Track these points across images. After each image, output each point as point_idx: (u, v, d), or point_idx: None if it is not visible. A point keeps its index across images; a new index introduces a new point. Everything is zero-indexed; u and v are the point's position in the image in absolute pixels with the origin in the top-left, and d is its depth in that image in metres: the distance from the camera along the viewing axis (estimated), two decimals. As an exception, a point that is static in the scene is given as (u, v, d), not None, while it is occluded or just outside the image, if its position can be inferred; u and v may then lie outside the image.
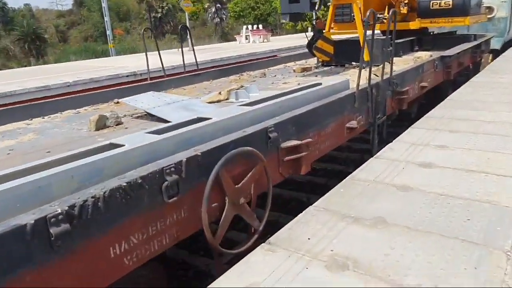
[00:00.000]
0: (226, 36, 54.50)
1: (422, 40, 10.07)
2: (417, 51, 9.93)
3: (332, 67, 8.12)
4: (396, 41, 9.45)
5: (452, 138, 4.63)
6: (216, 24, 60.54)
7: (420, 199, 3.21)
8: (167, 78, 6.57)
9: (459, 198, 3.18)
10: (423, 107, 7.41)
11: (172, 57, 12.54)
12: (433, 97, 7.81)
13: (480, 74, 8.88)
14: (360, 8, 9.45)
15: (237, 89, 5.17)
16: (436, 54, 9.23)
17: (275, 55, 10.46)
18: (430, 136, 4.74)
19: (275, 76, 7.42)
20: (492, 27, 13.30)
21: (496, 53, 13.27)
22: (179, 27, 9.33)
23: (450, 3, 9.08)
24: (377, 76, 5.96)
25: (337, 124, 4.14)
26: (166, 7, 56.85)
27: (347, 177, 3.78)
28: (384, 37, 8.11)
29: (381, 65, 6.80)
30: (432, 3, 9.30)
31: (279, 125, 3.28)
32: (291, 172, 3.42)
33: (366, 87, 4.72)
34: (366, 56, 7.65)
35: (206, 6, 59.57)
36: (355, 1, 7.54)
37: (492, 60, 12.92)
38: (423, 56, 7.18)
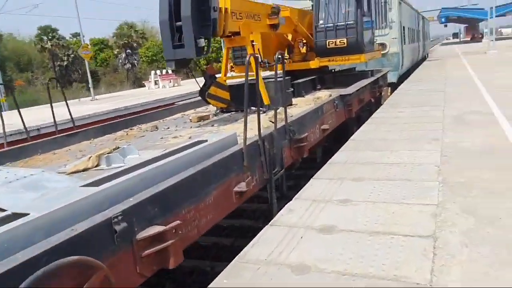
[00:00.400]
0: (140, 82, 53.13)
1: (324, 78, 10.06)
2: (319, 89, 9.88)
3: (232, 113, 7.60)
4: (297, 81, 9.36)
5: (355, 188, 4.18)
6: (127, 70, 58.89)
7: (318, 283, 2.58)
8: (31, 142, 5.47)
9: (363, 277, 2.60)
10: (329, 148, 7.11)
11: (74, 108, 11.28)
12: (338, 137, 7.60)
13: (381, 109, 8.95)
14: (259, 49, 9.28)
15: (109, 152, 4.31)
16: (337, 92, 9.21)
17: (173, 103, 9.74)
18: (333, 188, 4.25)
19: (168, 128, 6.67)
20: (387, 62, 14.02)
21: (394, 86, 13.93)
22: (48, 79, 8.23)
23: (345, 41, 9.18)
24: (273, 122, 5.48)
25: (222, 190, 3.45)
26: (72, 55, 54.19)
27: (236, 258, 3.07)
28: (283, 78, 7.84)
29: (279, 110, 6.45)
30: (328, 42, 9.34)
31: (133, 209, 2.50)
32: (155, 269, 2.61)
33: (256, 140, 4.13)
34: (265, 100, 7.30)
35: (116, 52, 57.88)
36: (248, 43, 7.15)
37: (391, 93, 13.49)
38: (323, 96, 6.94)
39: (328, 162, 5.23)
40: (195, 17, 5.78)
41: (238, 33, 7.03)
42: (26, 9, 51.81)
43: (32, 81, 52.55)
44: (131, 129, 6.94)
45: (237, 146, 3.96)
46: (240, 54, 9.54)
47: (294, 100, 8.32)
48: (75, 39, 60.25)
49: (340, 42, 9.22)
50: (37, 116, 13.72)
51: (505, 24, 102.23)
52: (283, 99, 7.41)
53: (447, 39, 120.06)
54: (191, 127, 6.52)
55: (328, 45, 9.35)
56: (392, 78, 13.98)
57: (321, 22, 9.51)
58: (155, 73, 26.01)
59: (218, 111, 7.38)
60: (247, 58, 4.86)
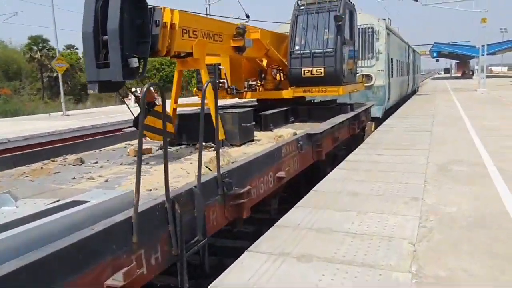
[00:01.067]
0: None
1: (298, 110, 9.01)
2: (292, 122, 8.82)
3: (182, 146, 6.45)
4: (265, 112, 8.28)
5: (299, 273, 3.02)
6: (117, 85, 57.75)
7: None
8: None
9: None
10: (289, 199, 5.97)
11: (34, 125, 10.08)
12: (306, 181, 6.47)
13: (358, 150, 7.86)
14: (225, 74, 8.22)
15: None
16: (310, 127, 8.15)
17: (121, 129, 8.57)
18: (271, 270, 3.08)
19: (96, 163, 5.48)
20: (373, 95, 13.07)
21: (378, 121, 12.95)
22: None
23: (322, 71, 8.17)
24: (210, 169, 4.34)
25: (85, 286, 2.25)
26: (62, 66, 53.03)
27: None
28: (243, 109, 6.76)
29: (226, 150, 5.31)
30: (304, 70, 8.32)
31: None
32: None
33: (161, 202, 2.96)
34: (219, 134, 6.17)
35: (107, 67, 56.89)
36: (202, 67, 6.07)
37: (375, 129, 12.49)
38: (285, 134, 5.82)
39: (276, 224, 4.07)
40: (127, 31, 4.69)
41: (191, 54, 5.96)
42: (5, 16, 50.46)
43: (19, 91, 51.00)
44: (52, 161, 5.73)
45: (124, 212, 2.78)
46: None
47: (260, 135, 7.23)
48: (68, 50, 59.24)
49: (316, 71, 8.21)
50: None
51: (495, 62, 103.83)
52: (240, 134, 6.37)
53: (438, 74, 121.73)
54: (121, 164, 5.34)
55: (304, 74, 8.34)
56: (376, 112, 13.01)
57: (296, 48, 8.52)
58: (135, 90, 24.82)
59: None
60: (204, 87, 3.77)
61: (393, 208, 4.39)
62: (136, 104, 24.49)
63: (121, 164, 5.35)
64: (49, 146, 6.23)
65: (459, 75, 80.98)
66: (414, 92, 28.26)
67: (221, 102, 10.68)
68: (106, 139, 7.01)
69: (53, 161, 5.74)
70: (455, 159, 6.64)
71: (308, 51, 8.29)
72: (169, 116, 5.61)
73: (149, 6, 5.10)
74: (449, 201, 4.56)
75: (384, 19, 16.98)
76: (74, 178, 4.60)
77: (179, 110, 6.66)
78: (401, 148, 7.80)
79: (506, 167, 5.97)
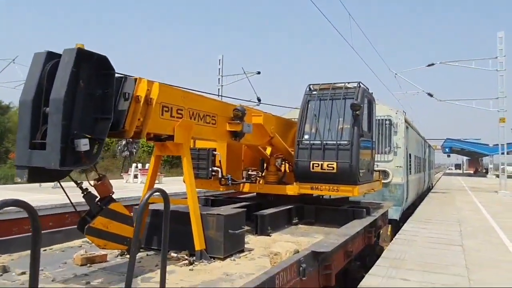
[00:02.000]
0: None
1: (304, 209, 7.56)
2: (296, 224, 7.33)
3: (150, 253, 4.97)
4: (263, 212, 6.85)
5: None
6: (124, 157, 57.37)
7: None
8: None
9: None
10: None
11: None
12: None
13: (376, 269, 6.23)
14: (220, 161, 6.96)
15: None
16: (317, 232, 6.65)
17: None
18: None
19: (23, 273, 3.98)
20: (389, 194, 11.61)
21: (396, 225, 11.34)
22: None
23: (335, 166, 6.88)
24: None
25: None
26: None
27: None
28: (232, 211, 5.35)
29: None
30: (313, 163, 7.04)
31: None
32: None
33: None
34: (196, 243, 4.70)
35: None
36: (185, 154, 4.81)
37: (391, 233, 10.86)
38: (283, 252, 4.31)
39: None
40: (81, 104, 3.51)
41: (173, 137, 4.74)
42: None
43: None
44: (-31, 264, 4.26)
45: None
46: (197, 164, 7.21)
47: (253, 241, 5.77)
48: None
49: (328, 166, 6.92)
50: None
51: (508, 161, 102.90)
52: (226, 244, 4.89)
53: (449, 169, 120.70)
54: (53, 280, 3.83)
55: (312, 168, 7.04)
56: (393, 214, 11.43)
57: (306, 137, 7.33)
58: (136, 166, 23.81)
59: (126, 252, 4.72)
60: (148, 194, 2.43)
61: None
62: (136, 179, 23.32)
63: (52, 280, 3.85)
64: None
65: (471, 172, 79.64)
66: (429, 189, 26.71)
67: (215, 193, 9.35)
68: (59, 232, 5.55)
69: (-30, 264, 4.27)
70: (509, 298, 5.00)
71: (319, 142, 7.08)
72: (129, 218, 4.21)
73: (118, 75, 4.00)
74: None
75: (403, 111, 16.19)
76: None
77: (153, 205, 5.28)
78: (431, 271, 6.16)
79: None
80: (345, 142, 6.92)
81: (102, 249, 4.22)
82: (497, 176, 38.00)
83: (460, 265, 6.57)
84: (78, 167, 3.61)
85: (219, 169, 6.76)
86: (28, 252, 4.60)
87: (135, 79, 4.21)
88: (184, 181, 7.71)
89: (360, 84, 7.45)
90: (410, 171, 13.84)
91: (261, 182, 7.72)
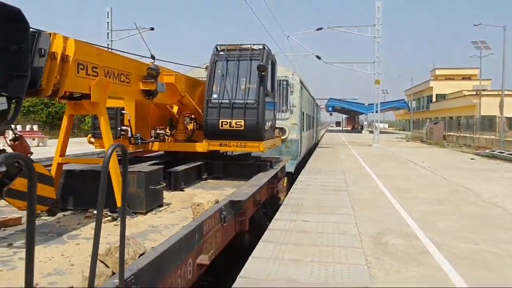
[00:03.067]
0: (7, 134, 45.41)
1: (213, 165, 7.98)
2: (206, 179, 7.73)
3: (67, 213, 4.93)
4: (176, 168, 7.09)
5: None
6: (-5, 118, 50.68)
7: None
8: None
9: None
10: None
11: None
12: (224, 259, 5.34)
13: (280, 215, 7.00)
14: (129, 120, 6.91)
15: None
16: (226, 186, 7.15)
17: None
18: None
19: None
20: (286, 149, 12.64)
21: (291, 176, 12.48)
22: None
23: (242, 123, 7.34)
24: (108, 267, 3.02)
25: None
26: None
27: None
28: (151, 168, 5.52)
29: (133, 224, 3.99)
30: (222, 122, 7.41)
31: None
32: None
33: None
34: (119, 201, 4.82)
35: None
36: (102, 113, 4.77)
37: (287, 184, 11.95)
38: (205, 202, 4.69)
39: None
40: (-6, 60, 3.30)
41: (88, 96, 4.65)
42: None
43: None
44: None
45: None
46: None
47: (169, 196, 6.02)
48: None
49: (236, 123, 7.36)
50: None
51: (380, 119, 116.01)
52: (147, 199, 5.10)
53: (331, 126, 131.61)
54: (-32, 244, 3.68)
55: (221, 126, 7.41)
56: (289, 167, 12.53)
57: (214, 96, 7.62)
58: (15, 128, 21.55)
59: (40, 211, 4.61)
60: (109, 152, 2.45)
61: (345, 307, 3.50)
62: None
63: (-32, 244, 3.69)
64: None
65: (349, 128, 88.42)
66: (315, 145, 29.23)
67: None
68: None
69: None
70: (385, 228, 6.14)
71: (228, 101, 7.44)
72: (50, 178, 4.14)
73: (32, 30, 3.78)
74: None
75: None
76: None
77: (67, 166, 5.17)
78: (325, 212, 7.14)
79: (439, 239, 5.59)
80: (252, 101, 7.39)
81: (22, 210, 4.11)
82: (371, 132, 42.93)
83: (348, 206, 7.70)
84: (1, 128, 3.44)
85: (128, 128, 6.74)
86: None
87: (50, 34, 4.01)
88: (88, 142, 7.54)
89: (265, 46, 7.90)
90: (303, 128, 15.11)
91: (170, 140, 7.87)
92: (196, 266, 3.73)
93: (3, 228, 4.24)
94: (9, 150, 3.96)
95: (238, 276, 4.16)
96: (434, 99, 65.03)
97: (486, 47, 35.45)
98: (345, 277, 4.16)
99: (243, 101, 7.39)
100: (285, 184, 12.46)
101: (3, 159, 1.45)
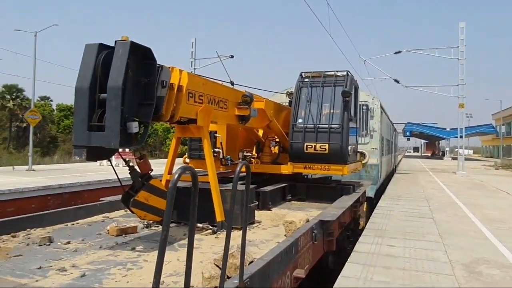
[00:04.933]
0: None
1: (296, 187, 8.28)
2: (289, 200, 8.04)
3: (172, 225, 5.51)
4: (264, 188, 7.49)
5: None
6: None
7: None
8: None
9: None
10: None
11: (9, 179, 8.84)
12: (309, 278, 5.55)
13: (364, 238, 7.05)
14: (221, 142, 7.51)
15: None
16: (312, 208, 7.38)
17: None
18: None
19: (68, 243, 4.45)
20: (366, 174, 12.58)
21: (370, 201, 12.35)
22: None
23: (327, 147, 7.60)
24: (220, 268, 3.44)
25: None
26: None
27: None
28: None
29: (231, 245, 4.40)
30: (307, 145, 7.73)
31: None
32: None
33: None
34: (218, 215, 5.29)
35: (81, 120, 55.58)
36: (206, 136, 5.34)
37: (367, 209, 11.84)
38: (297, 221, 5.00)
39: None
40: (130, 91, 3.97)
41: (194, 121, 5.24)
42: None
43: (-16, 140, 48.72)
44: (13, 236, 4.66)
45: None
46: (198, 145, 7.74)
47: (258, 215, 6.40)
48: (42, 102, 58.05)
49: (321, 147, 7.63)
50: None
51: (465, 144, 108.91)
52: (244, 216, 5.51)
53: (408, 152, 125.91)
54: (100, 247, 4.33)
55: (306, 149, 7.73)
56: (369, 192, 12.44)
57: (299, 121, 7.99)
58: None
59: (152, 221, 5.24)
60: (239, 166, 2.90)
61: (442, 330, 3.54)
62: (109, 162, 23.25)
63: (100, 247, 4.34)
64: (10, 218, 5.11)
65: (429, 154, 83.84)
66: (393, 170, 28.32)
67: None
68: (80, 209, 5.97)
69: (14, 236, 4.67)
70: (478, 258, 5.93)
71: (312, 126, 7.77)
72: (165, 192, 4.74)
73: (156, 64, 4.46)
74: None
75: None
76: (40, 268, 3.58)
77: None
78: (410, 238, 7.06)
79: (541, 273, 5.29)
80: (336, 125, 7.64)
81: (142, 219, 4.74)
82: (453, 158, 40.45)
83: (435, 233, 7.52)
84: (130, 147, 4.09)
85: (220, 150, 7.31)
86: (61, 225, 5.07)
87: (170, 68, 4.67)
88: (184, 163, 8.26)
89: (349, 73, 8.16)
90: (383, 153, 14.90)
91: (256, 162, 8.33)
92: (293, 278, 4.02)
93: (123, 235, 4.89)
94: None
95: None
96: (526, 123, 59.70)
97: None
98: (438, 302, 4.17)
99: (327, 125, 7.66)
100: (365, 209, 12.36)
101: (181, 170, 1.89)
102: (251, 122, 6.84)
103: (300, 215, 5.19)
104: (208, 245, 4.60)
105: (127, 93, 3.93)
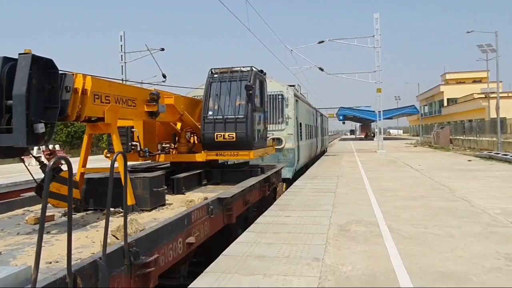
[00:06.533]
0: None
1: (211, 172, 9.22)
2: (205, 185, 8.97)
3: (89, 212, 6.21)
4: (177, 176, 8.36)
5: None
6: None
7: None
8: None
9: None
10: (200, 264, 5.97)
11: None
12: (217, 245, 6.53)
13: (269, 212, 8.19)
14: (138, 136, 8.22)
15: None
16: (223, 189, 8.36)
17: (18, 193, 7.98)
18: None
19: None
20: (283, 157, 13.83)
21: (290, 182, 13.62)
22: None
23: (234, 136, 8.58)
24: (117, 238, 4.28)
25: None
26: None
27: None
28: (154, 174, 6.80)
29: (129, 220, 5.23)
30: (217, 134, 8.66)
31: None
32: None
33: (62, 277, 2.87)
34: (129, 199, 6.08)
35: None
36: (114, 131, 6.08)
37: (286, 189, 13.10)
38: (196, 198, 5.94)
39: (183, 292, 4.09)
40: (35, 97, 4.62)
41: (102, 119, 5.96)
42: None
43: None
44: None
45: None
46: (117, 140, 8.39)
47: (171, 198, 7.24)
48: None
49: (229, 136, 8.60)
50: None
51: (392, 125, 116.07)
52: (151, 199, 6.35)
53: (345, 135, 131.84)
54: (17, 234, 4.98)
55: (216, 138, 8.67)
56: (287, 174, 13.71)
57: (210, 113, 8.89)
58: (39, 148, 23.26)
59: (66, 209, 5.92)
60: (115, 156, 3.71)
61: (296, 270, 4.65)
62: (38, 165, 22.85)
63: (17, 234, 4.98)
64: None
65: (363, 136, 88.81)
66: (323, 152, 30.26)
67: (133, 164, 10.52)
68: (2, 204, 6.48)
69: None
70: (353, 219, 7.24)
71: (221, 117, 8.70)
72: (76, 182, 5.45)
73: (60, 72, 5.12)
74: (346, 261, 4.96)
75: (294, 85, 18.47)
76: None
77: (87, 174, 6.48)
78: (308, 209, 8.30)
79: (395, 226, 6.67)
80: (242, 116, 8.63)
81: (56, 207, 5.43)
82: (385, 139, 43.54)
83: (330, 204, 8.83)
84: (37, 145, 4.76)
85: (137, 143, 8.04)
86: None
87: (73, 74, 5.35)
88: (107, 156, 8.88)
89: (253, 68, 9.17)
90: (301, 138, 16.27)
91: (174, 152, 9.15)
92: (185, 244, 4.95)
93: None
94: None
95: (221, 254, 5.35)
96: (445, 103, 65.29)
97: (492, 49, 36.03)
98: (304, 253, 5.31)
99: (233, 116, 8.64)
100: (284, 189, 13.62)
101: (56, 159, 2.72)
102: (162, 116, 7.62)
103: (199, 195, 6.13)
104: (116, 224, 5.39)
105: (32, 99, 4.58)
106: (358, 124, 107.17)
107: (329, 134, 61.27)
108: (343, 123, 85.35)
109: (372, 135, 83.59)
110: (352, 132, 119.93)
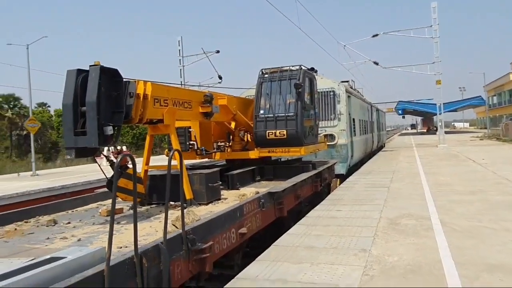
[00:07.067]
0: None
1: (264, 169, 9.59)
2: (259, 181, 9.36)
3: (153, 206, 6.83)
4: (231, 172, 8.81)
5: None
6: (91, 143, 57.56)
7: None
8: None
9: None
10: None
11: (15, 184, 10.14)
12: (269, 236, 6.88)
13: (320, 206, 8.40)
14: (195, 136, 8.80)
15: None
16: (274, 185, 8.70)
17: (93, 189, 8.87)
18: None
19: (69, 223, 5.78)
20: (336, 153, 13.89)
21: (344, 178, 13.66)
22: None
23: (285, 133, 8.89)
24: (177, 227, 4.77)
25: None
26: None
27: None
28: (209, 170, 7.28)
29: (187, 211, 5.72)
30: (268, 132, 9.02)
31: None
32: None
33: (131, 257, 3.36)
34: (187, 194, 6.61)
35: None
36: (172, 132, 6.63)
37: (339, 184, 13.16)
38: (248, 193, 6.32)
39: (236, 277, 4.47)
40: (104, 103, 5.26)
41: (162, 121, 6.54)
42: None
43: (-16, 149, 50.25)
44: (26, 222, 5.99)
45: (98, 266, 3.16)
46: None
47: (227, 193, 7.70)
48: (40, 108, 59.48)
49: (279, 133, 8.92)
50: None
51: (458, 118, 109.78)
52: (207, 194, 6.84)
53: (406, 129, 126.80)
54: (93, 224, 5.66)
55: (268, 136, 9.02)
56: (341, 169, 13.75)
57: (261, 112, 9.27)
58: (108, 149, 25.04)
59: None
60: (171, 153, 4.22)
61: (343, 259, 4.87)
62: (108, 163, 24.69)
63: (93, 224, 5.67)
64: (22, 208, 6.46)
65: (425, 130, 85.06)
66: (380, 148, 29.60)
67: (192, 162, 11.20)
68: (79, 199, 7.31)
69: (27, 222, 6.00)
70: (405, 213, 7.25)
71: (272, 115, 9.04)
72: (140, 178, 6.05)
73: (124, 80, 5.73)
74: (393, 252, 5.08)
75: (347, 81, 18.39)
76: (48, 238, 4.90)
77: (150, 171, 7.11)
78: (359, 204, 8.39)
79: (448, 219, 6.61)
80: (291, 113, 8.92)
81: (124, 201, 6.07)
82: (447, 132, 41.64)
83: (382, 198, 8.84)
84: (107, 145, 5.39)
85: (194, 142, 8.61)
86: (63, 212, 6.38)
87: (135, 81, 5.95)
88: (166, 156, 9.55)
89: (302, 66, 9.41)
90: (355, 133, 16.19)
91: (228, 150, 9.64)
92: (238, 234, 5.35)
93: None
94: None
95: (272, 244, 5.68)
96: (516, 92, 60.71)
97: None
98: (351, 244, 5.50)
99: (284, 114, 8.94)
100: (337, 185, 13.70)
101: (122, 156, 3.20)
102: (216, 116, 8.12)
103: (252, 190, 6.51)
104: (176, 215, 5.92)
105: (101, 105, 5.22)
106: (419, 118, 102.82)
107: (388, 129, 59.48)
108: (403, 117, 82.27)
109: (435, 129, 79.82)
110: (413, 126, 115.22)
